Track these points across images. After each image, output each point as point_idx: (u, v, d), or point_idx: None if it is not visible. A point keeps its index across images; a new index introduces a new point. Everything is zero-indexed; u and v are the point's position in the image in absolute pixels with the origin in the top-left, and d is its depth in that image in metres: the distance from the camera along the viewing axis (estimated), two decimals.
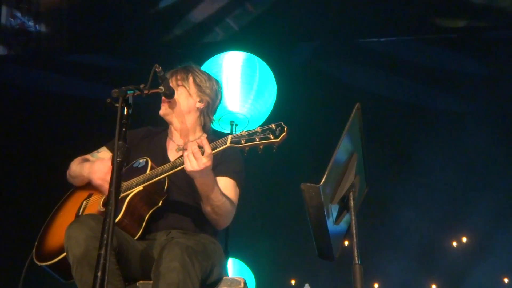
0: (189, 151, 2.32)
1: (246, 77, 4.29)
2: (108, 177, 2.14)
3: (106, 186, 2.34)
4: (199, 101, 2.82)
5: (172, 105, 2.77)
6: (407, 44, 6.05)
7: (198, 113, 2.84)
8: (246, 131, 2.28)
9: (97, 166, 2.62)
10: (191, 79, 2.83)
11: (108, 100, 2.22)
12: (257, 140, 2.22)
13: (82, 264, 2.19)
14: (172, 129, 2.86)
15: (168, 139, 2.86)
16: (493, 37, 5.71)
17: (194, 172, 2.34)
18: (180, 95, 2.79)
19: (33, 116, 5.85)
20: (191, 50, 5.73)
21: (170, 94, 2.71)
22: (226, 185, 2.62)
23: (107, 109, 2.24)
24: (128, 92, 2.25)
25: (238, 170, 2.70)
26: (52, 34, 5.90)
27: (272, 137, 2.20)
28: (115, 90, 2.21)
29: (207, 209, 2.51)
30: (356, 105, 2.22)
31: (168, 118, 2.83)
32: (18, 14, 5.81)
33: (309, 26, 5.78)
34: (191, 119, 2.82)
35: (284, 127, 2.22)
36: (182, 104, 2.79)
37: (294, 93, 5.49)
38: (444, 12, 5.55)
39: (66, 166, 2.83)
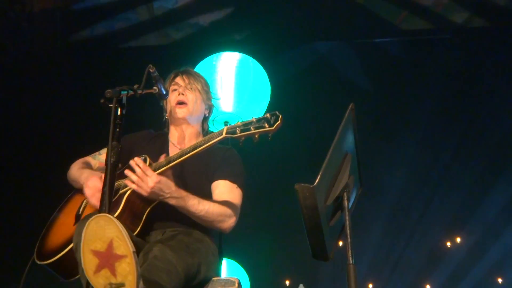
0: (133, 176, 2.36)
1: (240, 77, 4.29)
2: (98, 195, 2.30)
3: (93, 201, 2.48)
4: (206, 108, 2.92)
5: (190, 109, 2.82)
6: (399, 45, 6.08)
7: (202, 119, 2.94)
8: (241, 121, 2.28)
9: (91, 182, 2.56)
10: (200, 86, 2.88)
11: (102, 101, 2.22)
12: (252, 129, 2.22)
13: None
14: (174, 132, 2.88)
15: (170, 143, 2.87)
16: None
17: (150, 194, 2.38)
18: (192, 100, 2.84)
19: (32, 116, 5.82)
20: (185, 50, 5.72)
21: (163, 95, 2.71)
22: (226, 188, 2.63)
23: (104, 109, 2.25)
24: (122, 92, 2.25)
25: (238, 173, 2.71)
26: (46, 34, 5.87)
27: (267, 126, 2.20)
28: (109, 90, 2.21)
29: (196, 220, 2.53)
30: (350, 106, 2.22)
31: (181, 121, 2.84)
32: (12, 15, 5.78)
33: (303, 28, 5.80)
34: (198, 124, 2.91)
35: (279, 116, 2.21)
36: (195, 110, 2.85)
37: (287, 94, 5.49)
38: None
39: (67, 166, 2.83)
